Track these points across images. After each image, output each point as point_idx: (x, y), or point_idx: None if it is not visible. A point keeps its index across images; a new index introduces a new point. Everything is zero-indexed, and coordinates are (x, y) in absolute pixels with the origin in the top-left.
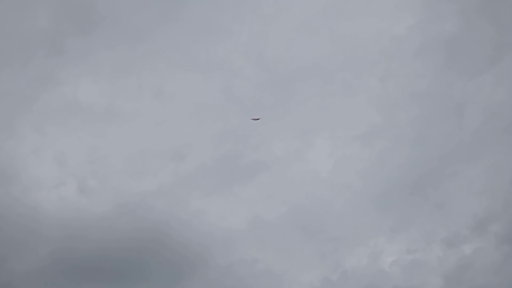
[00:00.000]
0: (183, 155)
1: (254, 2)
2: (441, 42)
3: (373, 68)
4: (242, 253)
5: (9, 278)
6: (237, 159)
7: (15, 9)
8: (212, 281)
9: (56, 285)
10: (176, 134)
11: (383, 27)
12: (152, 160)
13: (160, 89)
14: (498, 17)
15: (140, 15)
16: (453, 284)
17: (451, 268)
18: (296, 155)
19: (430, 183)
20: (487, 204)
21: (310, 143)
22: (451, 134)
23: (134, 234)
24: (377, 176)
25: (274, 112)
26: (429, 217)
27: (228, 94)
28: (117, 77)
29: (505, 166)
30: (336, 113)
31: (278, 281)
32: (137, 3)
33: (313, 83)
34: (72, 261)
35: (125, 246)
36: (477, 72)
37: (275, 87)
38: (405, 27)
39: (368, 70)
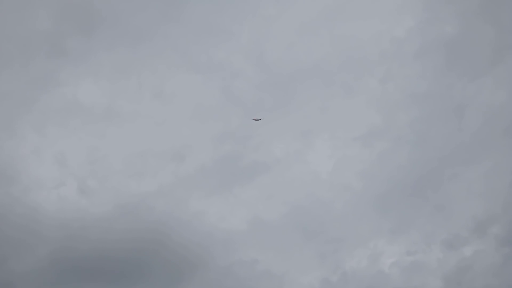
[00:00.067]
0: (183, 156)
1: (254, 3)
2: (441, 44)
3: (373, 69)
4: (241, 254)
5: (9, 278)
6: (237, 160)
7: (15, 9)
8: (212, 282)
9: (55, 285)
10: (176, 135)
11: (384, 28)
12: (152, 160)
13: (160, 89)
14: (498, 19)
15: (140, 16)
16: (453, 286)
17: (451, 270)
18: (296, 156)
19: (430, 185)
20: (487, 206)
21: (310, 144)
22: (451, 135)
23: (133, 235)
24: (377, 178)
25: (274, 113)
26: (429, 218)
27: (228, 95)
28: (117, 78)
29: (505, 168)
30: (336, 114)
31: (277, 282)
32: (138, 4)
33: (313, 84)
34: (71, 261)
35: (124, 246)
36: (477, 74)
37: (275, 88)
38: (406, 29)
39: (368, 72)
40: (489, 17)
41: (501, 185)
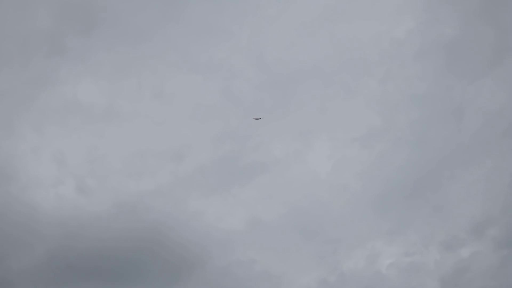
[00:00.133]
0: (182, 156)
1: (254, 3)
2: (441, 45)
3: (373, 70)
4: (240, 254)
5: (7, 276)
6: (236, 160)
7: (15, 9)
8: (210, 282)
9: (54, 283)
10: (176, 135)
11: (383, 29)
12: (151, 160)
13: (160, 89)
14: (498, 21)
15: (140, 16)
16: None
17: (449, 272)
18: (295, 156)
19: (429, 186)
20: (485, 207)
21: (309, 144)
22: (450, 137)
23: (132, 234)
24: (376, 179)
25: (273, 113)
26: (427, 220)
27: (228, 95)
28: (117, 78)
29: (504, 170)
30: (336, 115)
31: (276, 282)
32: (138, 4)
33: (313, 85)
34: (69, 260)
35: (123, 245)
36: (476, 76)
37: (275, 88)
38: (405, 30)
39: (368, 73)
40: (489, 19)
41: (500, 187)
